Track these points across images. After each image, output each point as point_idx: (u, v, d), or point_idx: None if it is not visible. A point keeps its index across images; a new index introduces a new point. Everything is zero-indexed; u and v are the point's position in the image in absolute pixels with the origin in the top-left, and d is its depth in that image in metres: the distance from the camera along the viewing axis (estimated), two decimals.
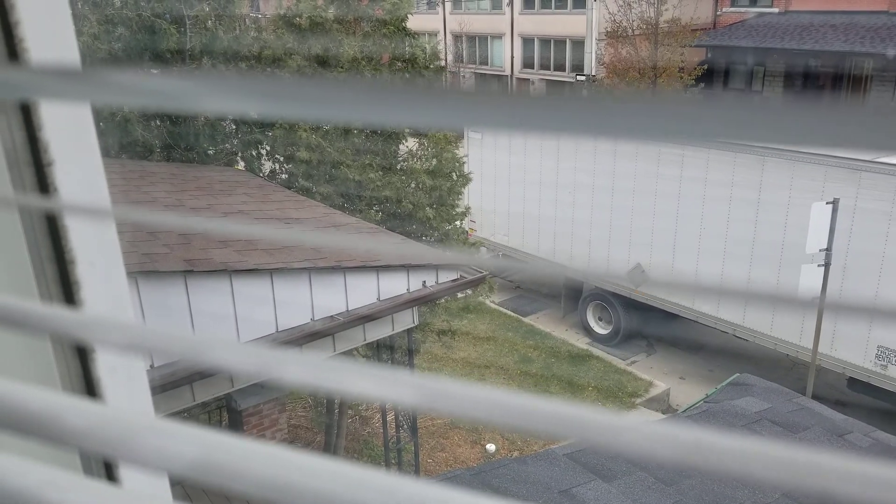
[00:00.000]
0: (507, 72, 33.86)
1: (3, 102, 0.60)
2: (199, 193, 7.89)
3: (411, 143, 11.47)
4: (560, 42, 29.87)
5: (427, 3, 33.55)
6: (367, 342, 7.52)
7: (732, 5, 26.42)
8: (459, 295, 10.37)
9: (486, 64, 34.46)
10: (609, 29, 24.61)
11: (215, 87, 0.38)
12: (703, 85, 24.98)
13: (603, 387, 12.12)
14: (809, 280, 9.74)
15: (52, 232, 0.60)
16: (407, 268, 6.97)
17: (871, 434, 4.42)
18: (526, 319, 14.87)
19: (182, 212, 7.03)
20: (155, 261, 5.56)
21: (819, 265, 9.61)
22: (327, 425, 9.73)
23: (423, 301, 7.40)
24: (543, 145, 14.17)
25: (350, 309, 6.68)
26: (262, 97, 0.37)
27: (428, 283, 7.19)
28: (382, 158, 10.73)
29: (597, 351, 13.54)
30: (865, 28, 21.75)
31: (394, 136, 10.91)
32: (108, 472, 0.58)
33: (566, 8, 28.86)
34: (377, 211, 10.48)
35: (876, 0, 22.45)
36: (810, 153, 10.54)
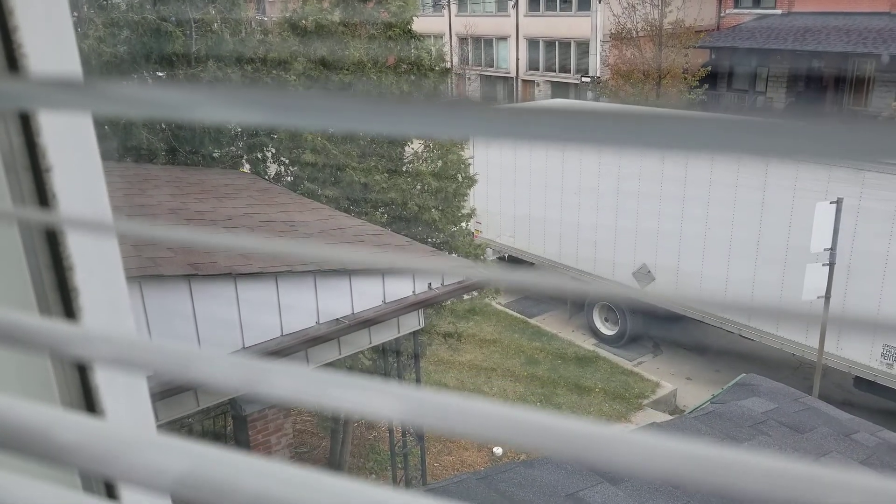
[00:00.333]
0: (513, 74, 33.86)
1: (1, 112, 0.60)
2: (204, 196, 7.90)
3: (417, 146, 11.48)
4: (565, 44, 29.87)
5: (432, 6, 33.61)
6: (372, 345, 7.51)
7: (736, 7, 26.38)
8: (465, 297, 10.36)
9: (492, 66, 34.47)
10: (613, 31, 24.61)
11: (216, 99, 0.37)
12: (706, 87, 24.93)
13: (610, 388, 12.09)
14: (814, 280, 9.71)
15: (51, 240, 0.60)
16: (412, 270, 6.96)
17: (878, 433, 4.40)
18: (532, 321, 14.85)
19: (186, 222, 7.04)
20: (159, 265, 5.57)
21: (824, 265, 9.58)
22: (333, 430, 9.72)
23: (428, 304, 7.39)
24: (549, 147, 14.13)
25: (355, 312, 6.68)
26: (263, 108, 0.36)
27: (433, 286, 7.19)
28: (388, 161, 10.74)
29: (603, 352, 13.51)
30: (867, 29, 21.70)
31: (399, 139, 10.91)
32: (109, 489, 0.57)
33: (571, 10, 28.87)
34: (383, 213, 10.48)
35: (878, 1, 22.38)
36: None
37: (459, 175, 11.32)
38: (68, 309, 0.59)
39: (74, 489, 0.57)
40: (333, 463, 9.39)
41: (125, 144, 9.80)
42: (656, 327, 13.42)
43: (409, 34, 11.33)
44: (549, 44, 30.64)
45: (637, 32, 23.63)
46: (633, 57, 23.57)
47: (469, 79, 36.17)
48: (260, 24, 15.12)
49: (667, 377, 12.64)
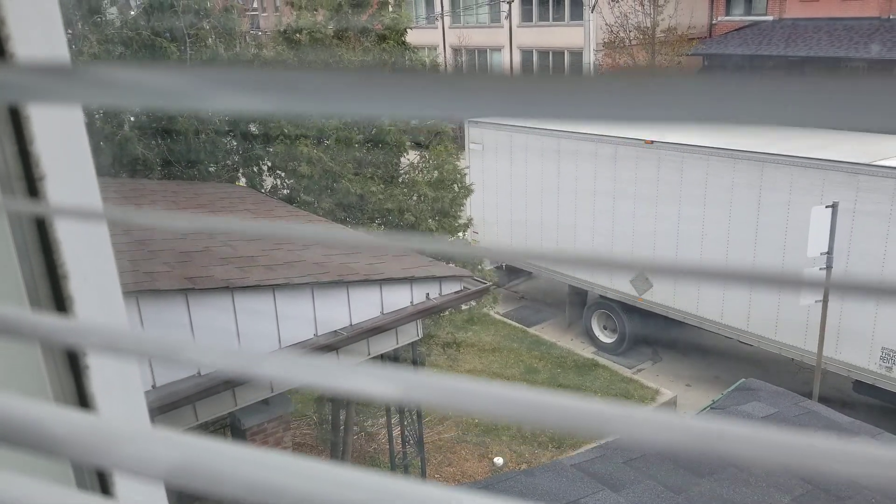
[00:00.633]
0: None
1: None
2: (200, 210, 7.90)
3: (412, 156, 11.50)
4: (558, 53, 29.99)
5: (426, 18, 33.76)
6: (371, 356, 7.50)
7: (728, 14, 26.53)
8: (464, 306, 10.35)
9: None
10: (606, 40, 24.74)
11: (214, 82, 0.36)
12: None
13: (610, 396, 12.07)
14: None
15: (41, 230, 0.59)
16: (410, 280, 6.96)
17: (878, 436, 4.39)
18: (531, 330, 14.83)
19: (183, 237, 7.05)
20: (155, 279, 5.56)
21: (821, 268, 9.60)
22: (333, 443, 9.68)
23: (427, 313, 7.38)
24: (544, 153, 14.20)
25: (354, 323, 6.67)
26: (262, 90, 0.35)
27: (431, 295, 7.18)
28: (384, 171, 10.75)
29: (602, 360, 13.49)
30: (858, 33, 21.84)
31: (395, 149, 10.94)
32: (103, 485, 0.56)
33: (563, 20, 29.01)
34: (379, 224, 10.49)
35: (867, 6, 22.53)
36: (810, 158, 10.57)
37: (455, 185, 11.34)
38: (59, 300, 0.58)
39: (68, 485, 0.57)
40: None
41: (121, 160, 9.80)
42: (655, 334, 13.41)
43: (404, 46, 11.38)
44: (543, 53, 30.78)
45: (630, 41, 23.76)
46: (627, 66, 23.69)
47: None
48: (254, 39, 15.17)
49: (666, 384, 12.63)
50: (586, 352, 13.91)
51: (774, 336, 11.43)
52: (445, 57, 33.10)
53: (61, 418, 0.33)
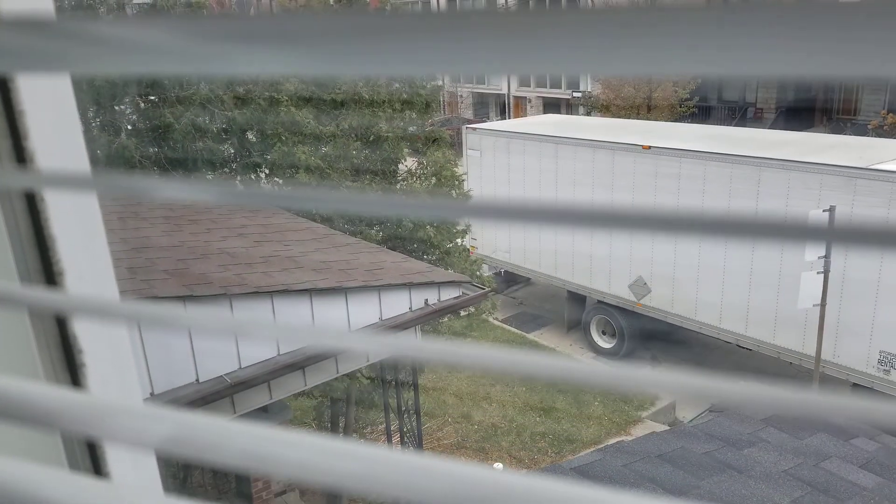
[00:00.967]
0: (504, 91, 34.09)
1: None
2: (198, 217, 7.91)
3: (410, 162, 11.53)
4: None
5: None
6: (370, 363, 7.50)
7: None
8: (463, 312, 10.35)
9: (483, 83, 34.70)
10: None
11: (207, 33, 0.33)
12: (697, 98, 25.14)
13: (609, 401, 12.06)
14: (809, 287, 9.76)
15: (34, 218, 0.59)
16: (409, 286, 6.96)
17: (877, 438, 4.39)
18: (530, 336, 14.84)
19: (180, 243, 7.04)
20: (153, 287, 5.56)
21: (818, 272, 9.63)
22: None
23: (426, 319, 7.38)
24: (542, 158, 14.23)
25: (352, 329, 6.66)
26: (257, 39, 0.32)
27: (430, 301, 7.18)
28: (382, 178, 10.77)
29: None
30: None
31: (393, 157, 10.96)
32: (95, 466, 0.57)
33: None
34: (378, 231, 10.50)
35: None
36: (806, 162, 10.61)
37: (453, 191, 11.36)
38: (49, 273, 0.58)
39: (60, 466, 0.57)
40: (332, 498, 9.31)
41: (118, 168, 9.81)
42: (653, 339, 13.43)
43: None
44: None
45: None
46: None
47: (461, 96, 36.39)
48: None
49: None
50: (585, 357, 13.91)
51: (773, 340, 11.44)
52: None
53: (55, 394, 0.34)
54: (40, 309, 0.36)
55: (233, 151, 11.33)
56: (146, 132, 10.25)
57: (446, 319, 10.20)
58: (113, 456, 0.56)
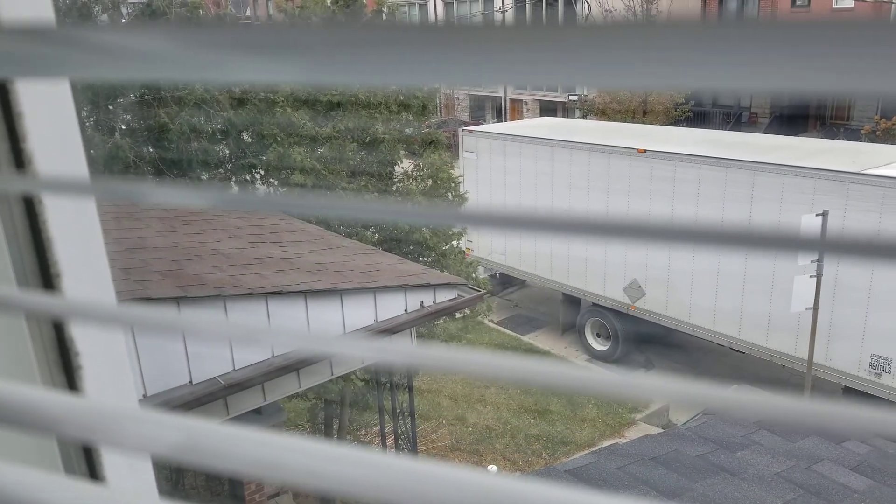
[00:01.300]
0: (501, 93, 34.12)
1: None
2: (193, 218, 7.89)
3: (407, 164, 11.53)
4: None
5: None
6: (364, 365, 7.49)
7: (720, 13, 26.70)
8: (458, 315, 10.35)
9: (480, 85, 34.68)
10: None
11: (206, 41, 0.33)
12: (692, 103, 25.21)
13: (603, 403, 12.08)
14: (802, 291, 9.79)
15: (32, 222, 0.59)
16: (404, 288, 6.96)
17: (869, 441, 4.42)
18: (525, 338, 14.84)
19: (174, 244, 7.03)
20: (147, 288, 5.55)
21: (811, 276, 9.67)
22: None
23: (421, 321, 7.38)
24: (538, 161, 14.25)
25: (347, 331, 6.66)
26: (256, 49, 0.32)
27: (426, 303, 7.18)
28: (378, 180, 10.77)
29: (595, 368, 13.51)
30: None
31: (389, 158, 10.96)
32: (92, 472, 0.57)
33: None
34: (373, 232, 10.49)
35: (859, 8, 22.75)
36: (800, 167, 10.65)
37: (449, 194, 11.36)
38: (46, 277, 0.58)
39: (56, 471, 0.57)
40: (325, 501, 9.29)
41: (112, 168, 9.78)
42: (648, 342, 13.46)
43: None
44: None
45: None
46: None
47: (457, 99, 36.41)
48: None
49: None
50: (580, 359, 13.92)
51: (766, 343, 11.48)
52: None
53: (56, 399, 0.34)
54: (37, 312, 0.37)
55: (228, 152, 11.31)
56: (141, 132, 10.23)
57: (442, 321, 10.20)
58: (109, 460, 0.56)
